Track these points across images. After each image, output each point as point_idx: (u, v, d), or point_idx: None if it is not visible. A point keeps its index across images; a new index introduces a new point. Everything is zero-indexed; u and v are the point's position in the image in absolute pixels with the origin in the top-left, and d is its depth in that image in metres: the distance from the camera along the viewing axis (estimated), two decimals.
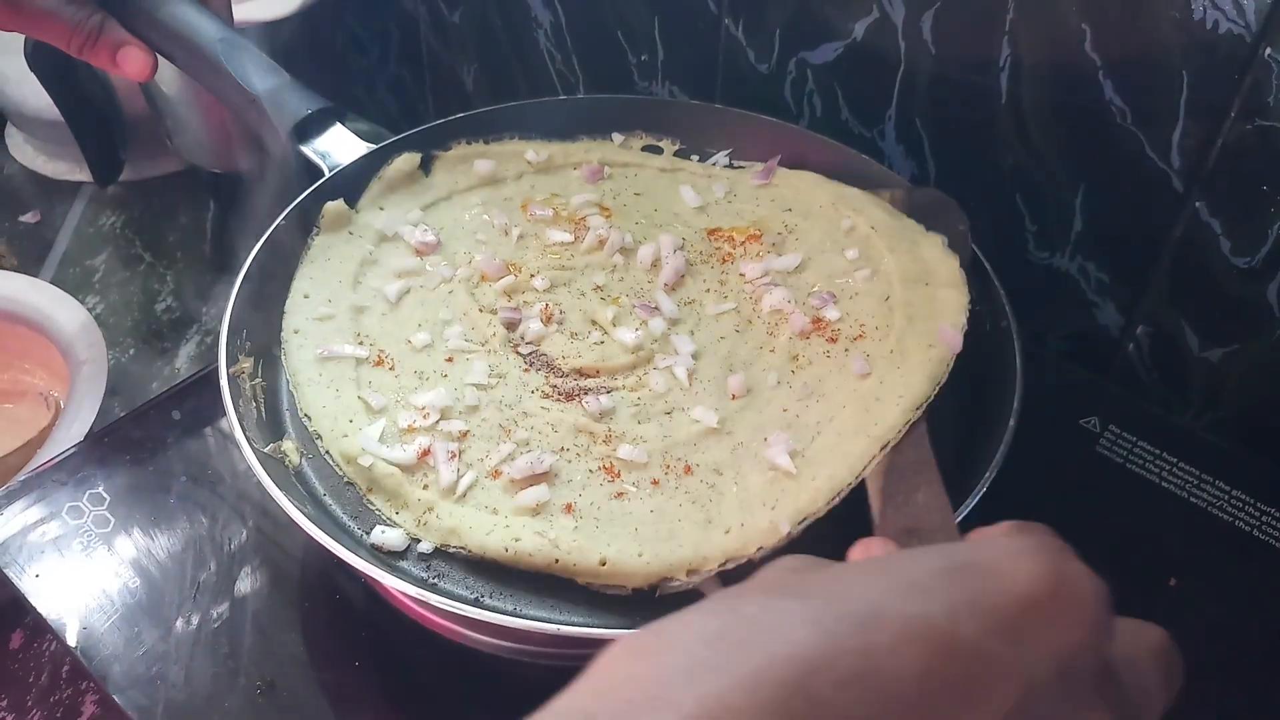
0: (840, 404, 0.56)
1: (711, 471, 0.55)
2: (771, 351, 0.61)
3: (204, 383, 0.71)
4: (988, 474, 0.51)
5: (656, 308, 0.63)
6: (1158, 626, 0.30)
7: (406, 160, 0.70)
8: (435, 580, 0.51)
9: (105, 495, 0.63)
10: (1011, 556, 0.26)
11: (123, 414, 0.71)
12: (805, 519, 0.51)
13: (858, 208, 0.68)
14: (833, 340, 0.60)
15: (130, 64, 0.66)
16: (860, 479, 0.52)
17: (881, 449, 0.52)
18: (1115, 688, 0.27)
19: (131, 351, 0.86)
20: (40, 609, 0.58)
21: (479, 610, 0.48)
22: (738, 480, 0.54)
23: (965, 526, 0.49)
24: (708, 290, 0.65)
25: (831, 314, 0.61)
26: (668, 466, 0.55)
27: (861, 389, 0.57)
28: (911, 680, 0.23)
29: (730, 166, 0.75)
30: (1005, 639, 0.24)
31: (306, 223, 0.66)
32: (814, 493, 0.52)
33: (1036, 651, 0.25)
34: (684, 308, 0.64)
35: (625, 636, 0.25)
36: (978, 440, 0.55)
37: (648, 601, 0.51)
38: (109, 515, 0.62)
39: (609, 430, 0.56)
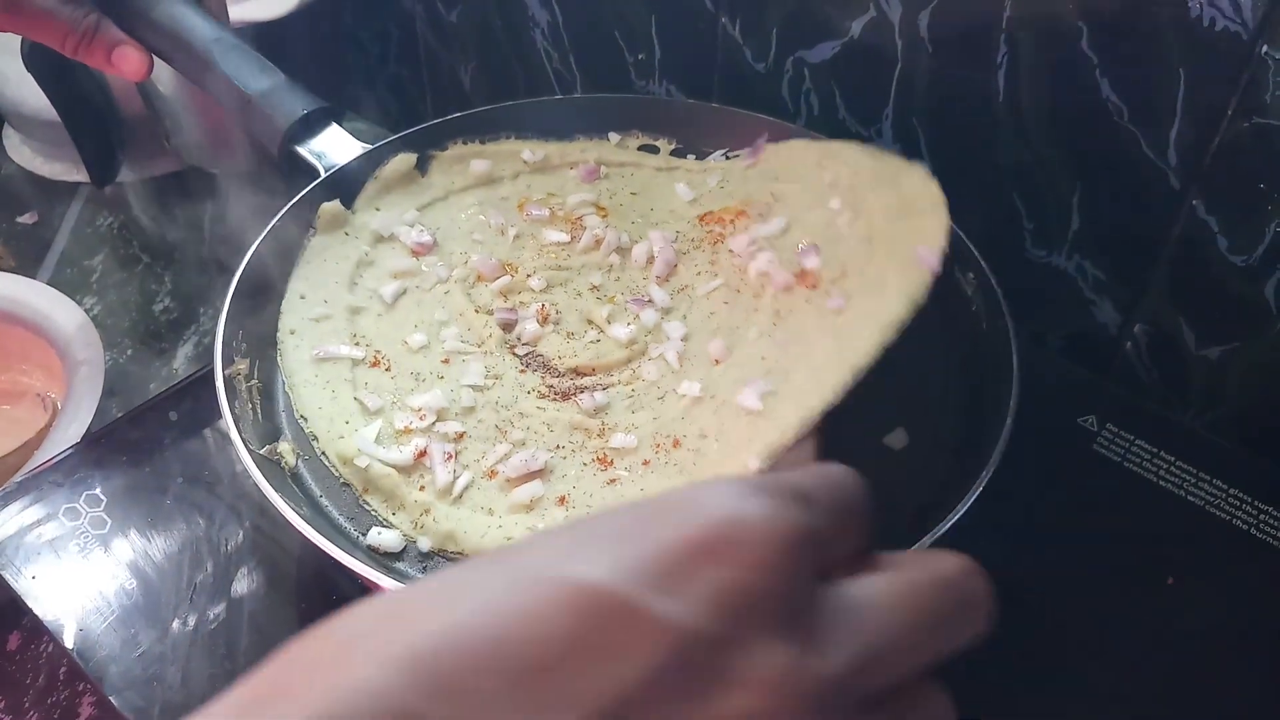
0: (815, 341, 0.55)
1: (698, 438, 0.54)
2: (755, 312, 0.60)
3: (201, 384, 0.70)
4: (984, 473, 0.51)
5: (649, 300, 0.63)
6: (953, 557, 0.27)
7: (403, 160, 0.70)
8: None
9: (102, 496, 0.63)
10: (684, 502, 0.25)
11: (120, 415, 0.71)
12: (775, 453, 0.49)
13: (841, 158, 0.65)
14: (814, 287, 0.59)
15: (126, 64, 0.66)
16: (829, 406, 0.49)
17: (853, 373, 0.50)
18: (822, 628, 0.24)
19: (129, 352, 0.86)
20: (37, 611, 0.58)
21: None
22: (719, 438, 0.54)
23: (963, 526, 0.49)
24: (699, 274, 0.65)
25: (812, 263, 0.60)
26: (658, 445, 0.55)
27: (837, 322, 0.55)
28: (545, 643, 0.22)
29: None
30: (658, 589, 0.23)
31: (302, 223, 0.66)
32: (785, 426, 0.50)
33: (694, 599, 0.23)
34: (676, 296, 0.64)
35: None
36: (975, 439, 0.55)
37: None
38: (106, 516, 0.62)
39: (602, 424, 0.56)
